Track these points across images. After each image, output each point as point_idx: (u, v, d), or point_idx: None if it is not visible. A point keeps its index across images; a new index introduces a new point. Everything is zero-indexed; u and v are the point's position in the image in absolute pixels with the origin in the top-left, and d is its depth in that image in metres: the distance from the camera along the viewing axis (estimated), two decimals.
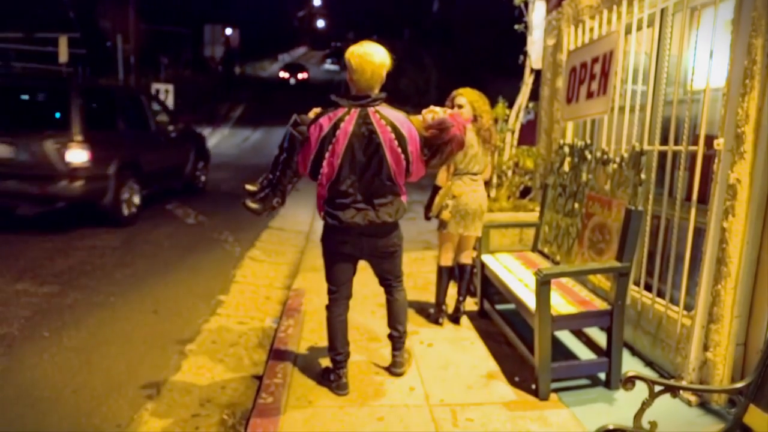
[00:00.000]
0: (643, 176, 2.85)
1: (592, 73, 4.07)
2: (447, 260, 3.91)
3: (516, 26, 5.41)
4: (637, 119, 3.51)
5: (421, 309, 4.34)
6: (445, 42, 19.23)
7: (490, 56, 14.82)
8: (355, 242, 2.83)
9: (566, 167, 3.86)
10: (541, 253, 4.08)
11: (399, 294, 3.12)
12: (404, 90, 19.64)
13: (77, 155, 6.50)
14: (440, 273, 3.93)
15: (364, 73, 2.63)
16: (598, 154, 3.37)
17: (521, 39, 5.65)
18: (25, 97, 7.72)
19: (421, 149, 2.74)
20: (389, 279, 3.08)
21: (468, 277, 3.99)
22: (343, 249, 2.88)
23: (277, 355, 3.55)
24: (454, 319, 4.01)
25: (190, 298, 4.91)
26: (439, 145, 2.73)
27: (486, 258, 3.91)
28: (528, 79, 5.44)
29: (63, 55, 17.98)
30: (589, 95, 4.08)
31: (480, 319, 4.10)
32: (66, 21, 19.34)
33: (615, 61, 3.72)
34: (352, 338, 3.73)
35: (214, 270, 5.78)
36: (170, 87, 18.57)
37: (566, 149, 3.88)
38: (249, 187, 2.91)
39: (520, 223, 4.49)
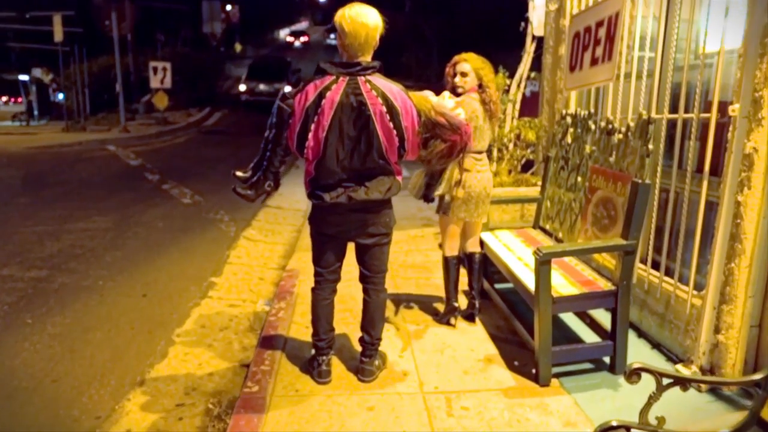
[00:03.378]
0: (651, 146, 2.63)
1: (596, 39, 3.82)
2: (452, 249, 3.48)
3: None
4: (645, 86, 3.28)
5: (422, 299, 4.17)
6: (446, 13, 18.74)
7: (493, 26, 14.40)
8: (343, 220, 2.64)
9: (569, 139, 3.64)
10: (543, 229, 3.88)
11: (378, 296, 2.85)
12: (406, 63, 19.22)
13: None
14: (446, 264, 3.49)
15: (357, 36, 2.40)
16: (603, 124, 3.15)
17: (523, 5, 5.37)
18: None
19: (418, 126, 2.51)
20: (370, 274, 2.81)
21: (478, 267, 3.56)
22: (330, 229, 2.69)
23: (266, 341, 3.40)
24: (469, 316, 3.59)
25: (182, 281, 4.77)
26: (437, 136, 2.51)
27: (485, 236, 3.72)
28: (530, 47, 5.18)
29: (58, 34, 17.68)
30: (594, 62, 3.84)
31: (478, 297, 3.93)
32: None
33: (621, 24, 3.47)
34: (348, 321, 3.60)
35: (208, 251, 5.63)
36: (168, 65, 18.30)
37: (569, 119, 3.66)
38: (239, 173, 2.72)
39: (521, 198, 4.29)
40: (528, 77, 5.29)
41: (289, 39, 45.27)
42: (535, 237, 3.76)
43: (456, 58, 3.35)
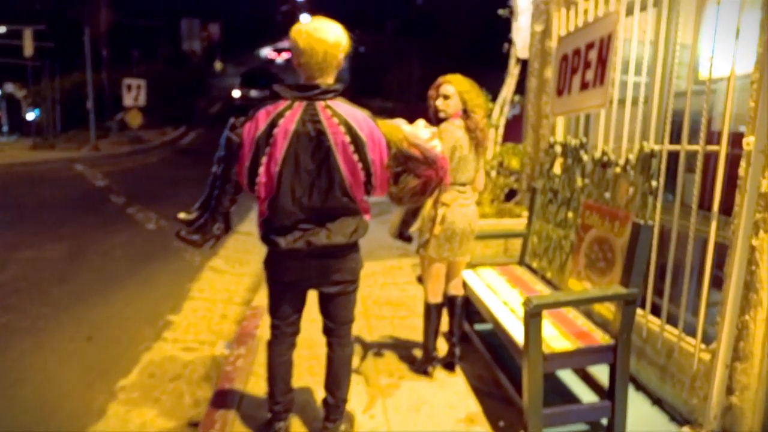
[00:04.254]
0: (654, 183, 2.32)
1: (586, 61, 3.55)
2: (436, 293, 3.09)
3: (500, 11, 4.87)
4: (641, 114, 2.99)
5: (399, 343, 3.79)
6: (428, 34, 18.65)
7: (476, 47, 14.27)
8: (302, 267, 2.27)
9: (557, 169, 3.33)
10: (530, 267, 3.55)
11: (343, 351, 2.46)
12: (386, 85, 19.05)
13: None
14: (428, 312, 3.11)
15: (314, 54, 2.05)
16: (597, 155, 2.84)
17: (507, 26, 5.12)
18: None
19: (387, 159, 2.16)
20: (335, 326, 2.42)
21: (460, 312, 3.21)
22: (288, 276, 2.32)
23: (219, 396, 2.99)
24: (448, 365, 3.22)
25: (135, 320, 4.32)
26: (409, 171, 2.17)
27: (466, 274, 3.38)
28: (513, 70, 4.91)
29: (28, 49, 17.19)
30: (584, 86, 3.56)
31: (459, 344, 3.57)
32: (32, 12, 18.48)
33: (614, 46, 3.20)
34: (314, 370, 3.19)
35: (168, 284, 5.19)
36: (142, 82, 17.85)
37: (557, 148, 3.36)
38: (182, 215, 2.34)
39: (505, 233, 3.95)
40: (511, 101, 5.02)
41: (272, 55, 46.32)
42: (522, 277, 3.42)
43: (440, 79, 3.02)
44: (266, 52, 47.44)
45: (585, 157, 2.99)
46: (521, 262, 3.65)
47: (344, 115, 2.08)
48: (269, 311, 2.45)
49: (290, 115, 2.07)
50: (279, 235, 2.18)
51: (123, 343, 3.92)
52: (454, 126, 2.89)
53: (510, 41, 4.90)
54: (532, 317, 2.28)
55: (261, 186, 2.13)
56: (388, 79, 19.61)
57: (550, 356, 2.36)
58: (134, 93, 17.32)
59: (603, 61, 3.30)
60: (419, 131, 2.24)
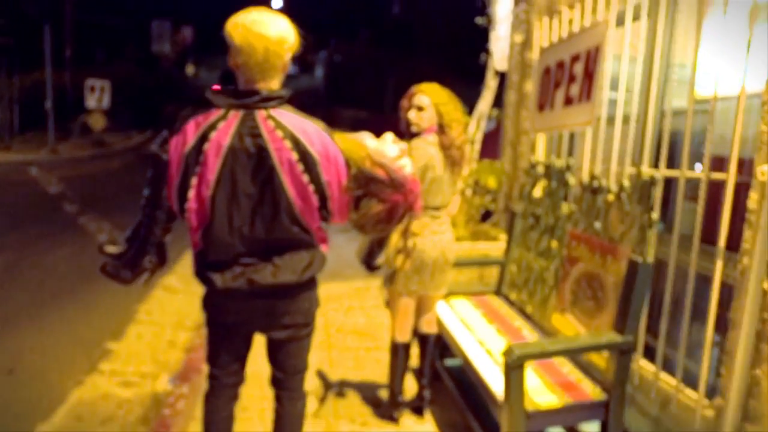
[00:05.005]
0: (654, 216, 2.02)
1: (571, 75, 3.27)
2: (404, 332, 2.74)
3: (477, 20, 4.58)
4: (633, 134, 2.71)
5: (363, 382, 3.42)
6: (403, 43, 18.45)
7: (452, 58, 14.09)
8: (245, 308, 1.89)
9: (539, 192, 3.03)
10: (507, 299, 3.23)
11: (294, 406, 2.07)
12: (361, 95, 18.75)
13: None
14: (395, 352, 2.77)
15: (253, 53, 1.69)
16: (585, 179, 2.54)
17: (484, 36, 4.84)
18: None
19: (346, 181, 1.80)
20: (284, 376, 2.04)
21: (432, 351, 2.87)
22: (228, 318, 1.94)
23: None
24: (416, 409, 2.89)
25: (69, 348, 3.86)
26: (373, 195, 1.81)
27: (438, 306, 3.03)
28: (491, 82, 4.63)
29: None
30: (568, 101, 3.28)
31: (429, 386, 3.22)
32: None
33: (602, 58, 2.93)
34: (264, 412, 2.76)
35: (113, 305, 4.71)
36: (106, 83, 17.14)
37: (539, 169, 3.06)
38: (109, 248, 1.95)
39: (482, 260, 3.61)
40: (488, 115, 4.73)
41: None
42: (499, 310, 3.09)
43: (413, 88, 2.67)
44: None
45: (571, 181, 2.69)
46: (498, 292, 3.33)
47: (290, 127, 1.72)
48: (206, 358, 2.06)
49: (224, 128, 1.70)
50: (215, 271, 1.81)
51: (50, 376, 3.46)
52: (427, 143, 2.55)
53: (488, 52, 4.62)
54: (514, 369, 1.95)
55: (191, 213, 1.76)
56: (363, 89, 19.33)
57: (534, 414, 2.03)
58: (98, 94, 16.62)
59: (590, 75, 3.02)
60: (386, 148, 1.89)
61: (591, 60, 3.04)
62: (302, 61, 46.69)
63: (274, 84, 1.75)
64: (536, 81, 3.70)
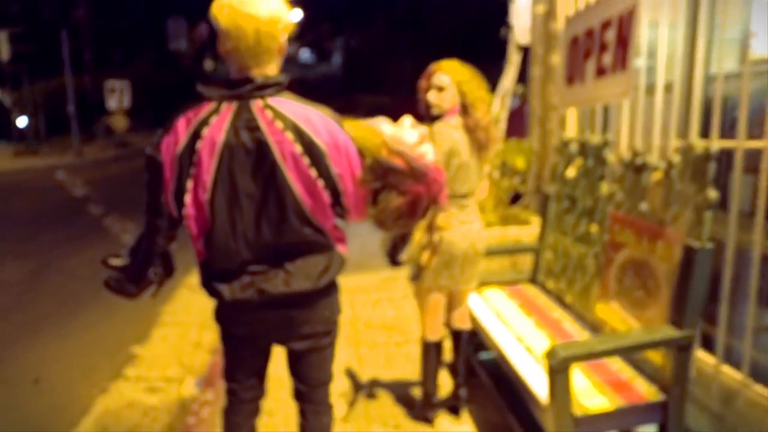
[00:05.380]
0: (712, 193, 1.79)
1: (602, 43, 3.01)
2: (435, 330, 2.55)
3: None
4: (677, 102, 2.46)
5: (394, 380, 3.26)
6: (419, 24, 18.05)
7: (470, 35, 13.68)
8: (258, 318, 1.74)
9: (573, 172, 2.80)
10: (543, 287, 3.02)
11: (320, 421, 1.90)
12: (380, 80, 18.47)
13: None
14: (426, 352, 2.58)
15: (243, 36, 1.50)
16: (627, 156, 2.31)
17: (504, 9, 4.57)
18: None
19: (362, 173, 1.62)
20: (307, 389, 1.87)
21: (466, 347, 2.68)
22: (241, 329, 1.79)
23: None
24: (452, 408, 2.71)
25: (93, 354, 3.80)
26: (392, 187, 1.62)
27: (470, 298, 2.85)
28: (514, 57, 4.37)
29: (4, 52, 16.56)
30: (600, 72, 3.03)
31: (465, 384, 3.04)
32: (9, 14, 17.85)
33: (637, 22, 2.67)
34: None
35: (136, 307, 4.54)
36: (126, 84, 17.25)
37: (573, 147, 2.83)
38: (112, 261, 1.82)
39: (513, 248, 3.39)
40: (513, 92, 4.48)
41: None
42: (535, 300, 2.89)
43: (432, 66, 2.44)
44: None
45: (610, 158, 2.46)
46: (533, 280, 3.12)
47: (291, 116, 1.53)
48: (223, 372, 1.92)
49: (217, 122, 1.52)
50: (221, 281, 1.65)
51: (75, 385, 3.40)
52: (450, 126, 2.34)
53: (508, 25, 4.35)
54: (559, 372, 1.76)
55: (190, 220, 1.60)
56: (381, 74, 19.03)
57: (583, 419, 1.84)
58: (118, 96, 16.73)
59: (624, 42, 2.77)
60: (404, 134, 1.69)
61: (624, 25, 2.78)
62: (319, 49, 46.59)
63: (270, 69, 1.57)
64: (563, 52, 3.45)
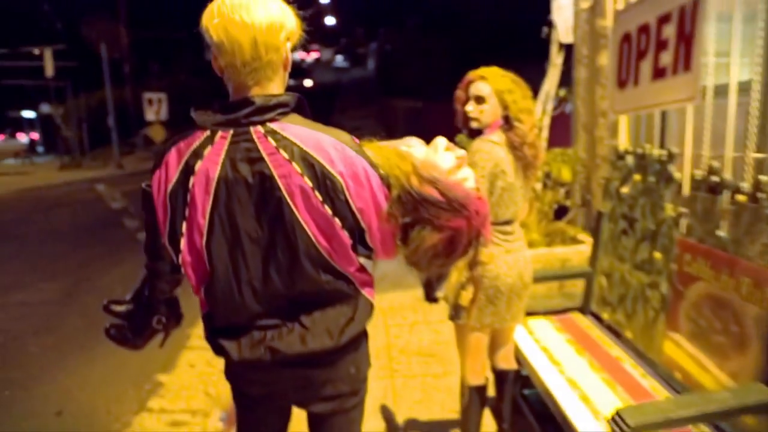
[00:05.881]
0: None
1: (660, 41, 2.67)
2: (477, 373, 2.26)
3: None
4: (758, 107, 2.11)
5: (433, 420, 2.97)
6: (454, 27, 17.67)
7: (507, 35, 13.24)
8: (273, 378, 1.49)
9: (630, 188, 2.48)
10: (597, 317, 2.70)
11: None
12: (411, 82, 18.19)
13: None
14: (468, 395, 2.28)
15: (237, 50, 1.25)
16: (699, 173, 1.98)
17: (544, 6, 4.24)
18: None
19: (387, 205, 1.35)
20: None
21: (511, 390, 2.37)
22: (254, 389, 1.55)
23: None
24: None
25: (118, 383, 3.65)
26: (425, 222, 1.34)
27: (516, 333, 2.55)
28: (556, 59, 4.03)
29: (49, 69, 17.06)
30: (658, 73, 2.69)
31: (511, 428, 2.73)
32: (52, 32, 18.40)
33: (703, 15, 2.33)
34: None
35: None
36: (163, 96, 17.49)
37: (630, 160, 2.50)
38: (114, 307, 1.63)
39: (562, 273, 3.06)
40: (556, 96, 4.13)
41: (301, 55, 55.25)
42: (589, 334, 2.57)
43: (470, 75, 2.15)
44: (295, 55, 53.29)
45: (677, 175, 2.13)
46: (585, 309, 2.80)
47: (299, 143, 1.28)
48: None
49: (212, 154, 1.29)
50: (227, 338, 1.41)
51: (98, 417, 3.25)
52: (493, 143, 2.06)
53: (550, 24, 4.02)
54: None
55: (187, 267, 1.37)
56: (415, 78, 18.74)
57: None
58: (155, 107, 16.98)
59: (687, 39, 2.43)
60: (438, 157, 1.42)
61: (687, 19, 2.44)
62: (353, 54, 46.72)
63: (273, 87, 1.32)
64: (613, 52, 3.11)
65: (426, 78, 18.06)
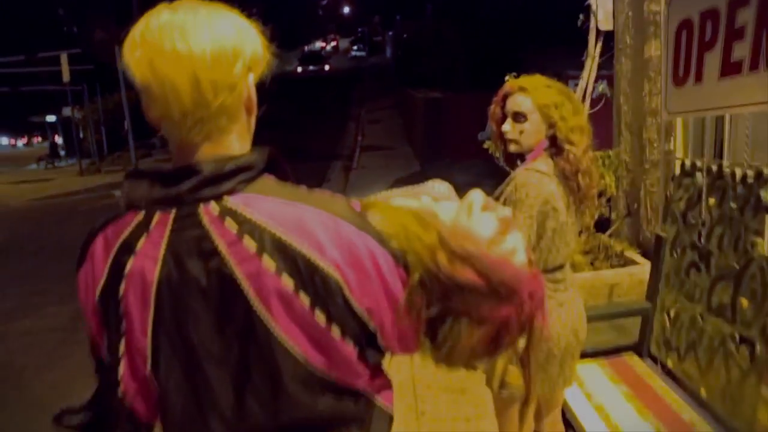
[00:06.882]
0: None
1: (733, 29, 2.20)
2: None
3: None
4: None
5: None
6: (473, 11, 17.00)
7: (530, 21, 12.58)
8: None
9: (702, 211, 2.04)
10: (660, 364, 2.27)
11: None
12: (431, 73, 17.64)
13: None
14: None
15: (172, 95, 0.83)
16: None
17: None
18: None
19: (408, 296, 0.94)
20: None
21: None
22: None
23: None
24: None
25: None
26: (459, 313, 0.94)
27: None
28: (594, 50, 3.56)
29: (66, 74, 16.99)
30: (730, 70, 2.22)
31: None
32: (68, 36, 18.35)
33: None
34: None
35: None
36: None
37: (699, 177, 2.06)
38: (68, 419, 1.21)
39: (616, 311, 2.58)
40: (593, 90, 3.65)
41: (322, 44, 55.59)
42: (651, 385, 2.14)
43: (507, 86, 1.73)
44: (316, 44, 56.56)
45: None
46: (641, 351, 2.37)
47: (273, 226, 0.86)
48: None
49: (148, 247, 0.89)
50: None
51: None
52: (541, 174, 1.64)
53: (588, 10, 3.53)
54: None
55: (132, 397, 0.98)
56: (433, 67, 18.16)
57: None
58: None
59: None
60: (474, 221, 0.99)
61: None
62: (370, 43, 46.10)
63: (231, 142, 0.91)
64: (668, 42, 2.64)
65: (444, 67, 17.48)
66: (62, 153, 26.12)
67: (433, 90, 14.37)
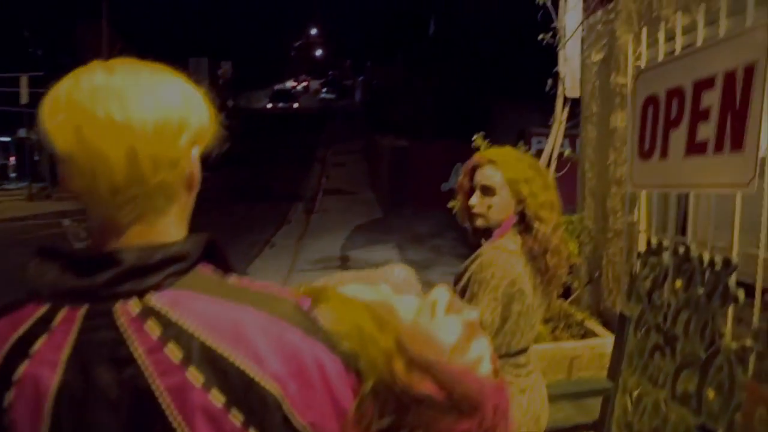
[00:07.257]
0: None
1: (697, 110, 2.22)
2: None
3: (541, 36, 3.54)
4: None
5: None
6: (443, 62, 17.44)
7: (499, 74, 12.93)
8: None
9: (667, 294, 1.98)
10: None
11: None
12: (399, 121, 17.89)
13: None
14: None
15: (102, 170, 0.68)
16: None
17: (548, 55, 3.82)
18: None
19: (358, 407, 0.79)
20: None
21: None
22: None
23: None
24: None
25: None
26: (417, 427, 0.80)
27: None
28: (561, 115, 3.58)
29: (24, 96, 16.55)
30: (694, 148, 2.22)
31: None
32: (30, 59, 17.93)
33: (761, 82, 1.88)
34: None
35: None
36: None
37: (666, 258, 2.01)
38: None
39: (578, 391, 2.47)
40: (560, 155, 3.66)
41: (293, 83, 56.37)
42: None
43: (476, 158, 1.68)
44: (287, 84, 57.04)
45: (740, 295, 1.63)
46: (602, 431, 2.26)
47: (204, 332, 0.72)
48: None
49: (46, 349, 0.72)
50: None
51: None
52: (508, 253, 1.54)
53: (556, 76, 3.58)
54: None
55: None
56: (402, 114, 18.44)
57: None
58: None
59: (738, 112, 1.98)
60: (437, 325, 0.87)
61: (737, 88, 1.99)
62: (340, 86, 46.86)
63: (166, 226, 0.77)
64: (634, 116, 2.66)
65: (412, 115, 17.75)
66: (12, 175, 25.14)
67: (400, 137, 14.51)
